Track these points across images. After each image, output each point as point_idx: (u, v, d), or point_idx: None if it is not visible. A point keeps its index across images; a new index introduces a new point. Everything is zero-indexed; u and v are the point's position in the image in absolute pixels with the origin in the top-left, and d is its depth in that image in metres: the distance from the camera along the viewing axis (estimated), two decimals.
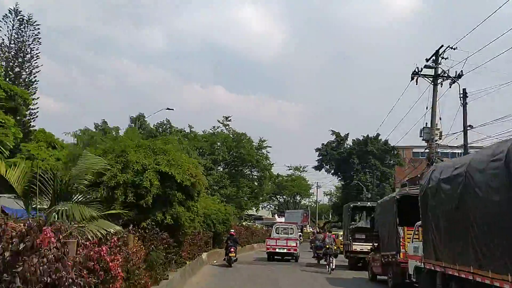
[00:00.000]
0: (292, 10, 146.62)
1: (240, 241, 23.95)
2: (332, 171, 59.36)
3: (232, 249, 18.60)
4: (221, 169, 54.45)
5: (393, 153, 55.50)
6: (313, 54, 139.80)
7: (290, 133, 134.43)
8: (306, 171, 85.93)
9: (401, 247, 13.61)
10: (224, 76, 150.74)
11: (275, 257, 23.11)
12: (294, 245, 23.02)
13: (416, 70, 20.80)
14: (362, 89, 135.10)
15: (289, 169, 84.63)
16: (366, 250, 19.23)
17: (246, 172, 60.38)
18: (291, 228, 25.94)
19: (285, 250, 22.76)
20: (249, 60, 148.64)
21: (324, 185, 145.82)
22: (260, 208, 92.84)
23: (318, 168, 61.77)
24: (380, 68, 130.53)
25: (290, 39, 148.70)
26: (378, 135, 57.34)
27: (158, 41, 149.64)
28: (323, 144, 61.26)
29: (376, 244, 16.52)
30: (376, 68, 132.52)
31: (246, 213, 69.89)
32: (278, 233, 24.86)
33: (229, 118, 56.32)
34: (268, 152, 58.42)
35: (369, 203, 23.92)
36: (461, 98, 20.87)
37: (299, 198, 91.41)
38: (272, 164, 58.33)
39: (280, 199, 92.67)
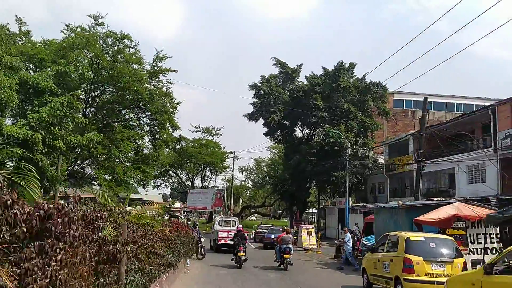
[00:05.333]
0: None
1: None
2: (275, 124, 38.26)
3: (241, 248, 17.51)
4: (81, 104, 30.17)
5: (376, 94, 36.42)
6: (210, 39, 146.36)
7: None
8: (221, 134, 64.33)
9: None
10: None
11: (222, 248, 24.04)
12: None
13: None
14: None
15: (197, 131, 61.87)
16: None
17: (129, 115, 36.56)
18: (234, 220, 27.79)
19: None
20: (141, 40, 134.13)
21: (242, 158, 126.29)
22: (151, 187, 69.24)
23: (252, 116, 40.32)
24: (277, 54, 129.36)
25: (187, 23, 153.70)
26: (353, 64, 37.89)
27: None
28: (262, 77, 39.86)
29: None
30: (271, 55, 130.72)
31: (122, 192, 45.90)
32: (221, 226, 26.25)
33: (98, 17, 31.81)
34: (171, 84, 35.65)
35: None
36: None
37: (209, 174, 69.20)
38: (177, 103, 35.53)
39: (181, 175, 69.53)
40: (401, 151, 35.88)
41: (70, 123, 25.36)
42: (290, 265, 17.79)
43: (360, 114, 37.47)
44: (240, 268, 17.11)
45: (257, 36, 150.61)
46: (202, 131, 64.37)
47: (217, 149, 64.72)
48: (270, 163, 69.80)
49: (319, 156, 36.73)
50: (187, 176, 71.19)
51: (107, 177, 34.66)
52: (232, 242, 19.97)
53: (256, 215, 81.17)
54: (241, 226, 22.13)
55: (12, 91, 23.81)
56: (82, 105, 25.91)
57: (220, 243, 24.26)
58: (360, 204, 33.65)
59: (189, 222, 22.46)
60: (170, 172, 68.93)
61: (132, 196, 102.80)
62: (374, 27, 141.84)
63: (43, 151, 24.11)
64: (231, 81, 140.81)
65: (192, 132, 65.25)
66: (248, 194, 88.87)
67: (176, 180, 72.80)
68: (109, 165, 33.11)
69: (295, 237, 32.33)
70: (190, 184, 70.06)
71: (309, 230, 27.75)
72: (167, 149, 65.92)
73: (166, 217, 42.58)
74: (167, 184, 73.77)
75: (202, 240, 21.39)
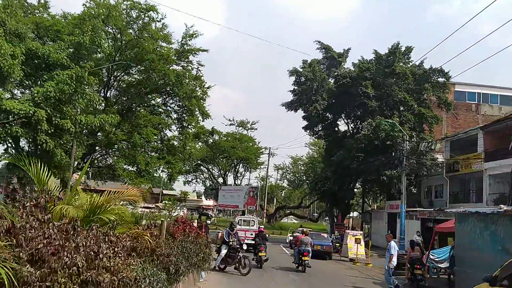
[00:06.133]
0: None
1: None
2: (317, 114, 33.94)
3: (262, 248, 18.02)
4: (93, 78, 27.04)
5: (437, 82, 31.58)
6: (247, 39, 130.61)
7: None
8: (256, 128, 60.57)
9: None
10: None
11: None
12: None
13: None
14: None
15: (231, 124, 58.40)
16: None
17: (155, 100, 33.35)
18: (253, 220, 28.48)
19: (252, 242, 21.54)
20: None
21: (277, 155, 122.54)
22: (181, 182, 66.34)
23: (291, 105, 36.24)
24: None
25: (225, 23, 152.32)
26: (410, 48, 33.12)
27: None
28: (304, 61, 35.72)
29: None
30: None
31: (147, 185, 43.05)
32: (241, 225, 26.36)
33: None
34: (202, 66, 32.14)
35: None
36: None
37: (242, 171, 65.48)
38: (208, 88, 31.94)
39: (213, 171, 66.15)
40: (466, 149, 30.78)
41: (81, 100, 22.05)
42: (309, 267, 18.29)
43: (416, 105, 32.50)
44: (260, 268, 17.61)
45: (295, 36, 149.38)
46: (236, 124, 60.98)
47: (251, 144, 60.96)
48: (308, 162, 65.30)
49: (367, 152, 32.14)
50: (219, 172, 67.76)
51: (130, 168, 31.66)
52: (250, 242, 21.19)
53: (290, 216, 76.91)
54: (262, 226, 23.65)
55: (16, 61, 20.88)
56: (96, 80, 22.48)
57: None
58: (434, 209, 28.37)
59: (209, 222, 18.15)
60: (202, 167, 65.84)
61: (165, 192, 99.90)
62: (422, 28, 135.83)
63: (49, 131, 20.96)
64: (269, 79, 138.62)
65: (226, 125, 62.03)
66: (283, 194, 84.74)
67: (207, 176, 69.50)
68: (130, 154, 29.90)
69: (337, 244, 28.08)
70: (222, 181, 66.54)
71: (357, 237, 23.28)
72: (199, 143, 63.03)
73: (187, 214, 38.65)
74: (198, 180, 70.53)
75: (245, 247, 16.48)
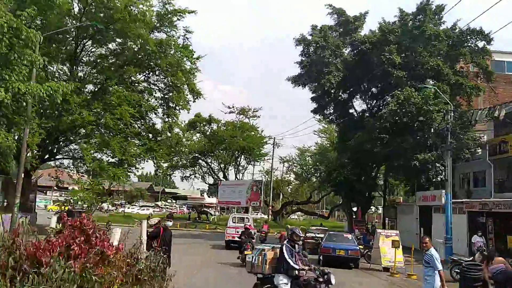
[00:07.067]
0: None
1: None
2: (330, 88, 28.57)
3: (248, 246, 18.01)
4: (35, 31, 22.03)
5: (476, 46, 26.14)
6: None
7: None
8: (259, 116, 55.06)
9: None
10: None
11: (231, 245, 24.68)
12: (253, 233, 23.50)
13: None
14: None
15: (230, 112, 52.97)
16: None
17: (134, 76, 28.05)
18: (247, 218, 28.29)
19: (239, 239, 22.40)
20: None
21: (282, 146, 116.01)
22: (178, 177, 60.95)
23: (299, 80, 30.89)
24: None
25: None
26: (441, 7, 27.64)
27: None
28: (313, 27, 30.21)
29: None
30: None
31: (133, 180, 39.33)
32: (235, 223, 26.85)
33: None
34: (190, 32, 27.09)
35: None
36: None
37: (244, 164, 59.91)
38: (198, 58, 26.56)
39: (213, 165, 60.64)
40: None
41: (21, 62, 16.69)
42: None
43: (451, 73, 26.95)
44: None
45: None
46: (236, 112, 55.51)
47: (253, 133, 55.40)
48: (318, 151, 59.59)
49: (392, 132, 26.71)
50: (219, 166, 62.16)
51: (106, 158, 26.45)
52: (237, 240, 22.10)
53: (298, 213, 71.49)
54: (249, 224, 23.97)
55: None
56: (39, 34, 17.15)
57: (228, 239, 25.59)
58: None
59: (169, 223, 11.43)
60: (200, 161, 60.43)
61: (168, 190, 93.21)
62: None
63: None
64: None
65: (225, 113, 56.46)
66: (289, 189, 79.19)
67: (207, 171, 63.80)
68: (101, 139, 24.61)
69: (360, 246, 22.56)
70: (223, 176, 60.97)
71: (394, 239, 17.79)
72: (197, 134, 57.72)
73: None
74: (197, 175, 64.75)
75: (334, 281, 8.79)
